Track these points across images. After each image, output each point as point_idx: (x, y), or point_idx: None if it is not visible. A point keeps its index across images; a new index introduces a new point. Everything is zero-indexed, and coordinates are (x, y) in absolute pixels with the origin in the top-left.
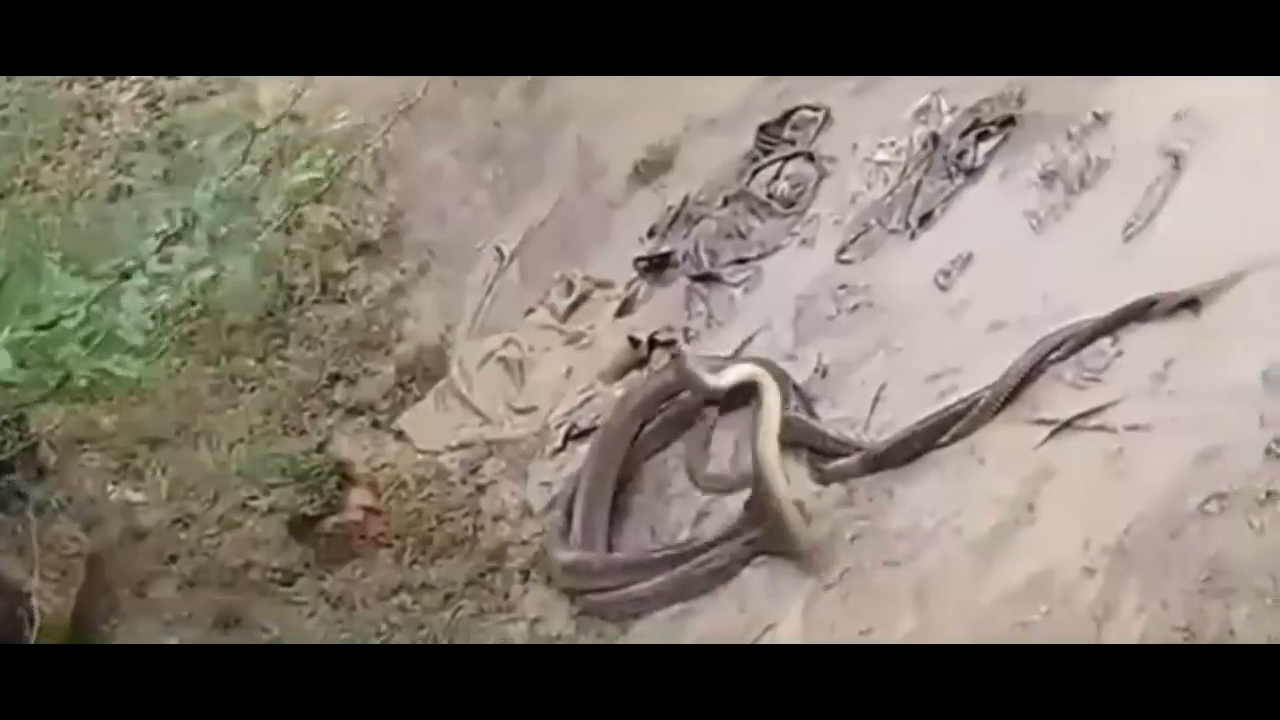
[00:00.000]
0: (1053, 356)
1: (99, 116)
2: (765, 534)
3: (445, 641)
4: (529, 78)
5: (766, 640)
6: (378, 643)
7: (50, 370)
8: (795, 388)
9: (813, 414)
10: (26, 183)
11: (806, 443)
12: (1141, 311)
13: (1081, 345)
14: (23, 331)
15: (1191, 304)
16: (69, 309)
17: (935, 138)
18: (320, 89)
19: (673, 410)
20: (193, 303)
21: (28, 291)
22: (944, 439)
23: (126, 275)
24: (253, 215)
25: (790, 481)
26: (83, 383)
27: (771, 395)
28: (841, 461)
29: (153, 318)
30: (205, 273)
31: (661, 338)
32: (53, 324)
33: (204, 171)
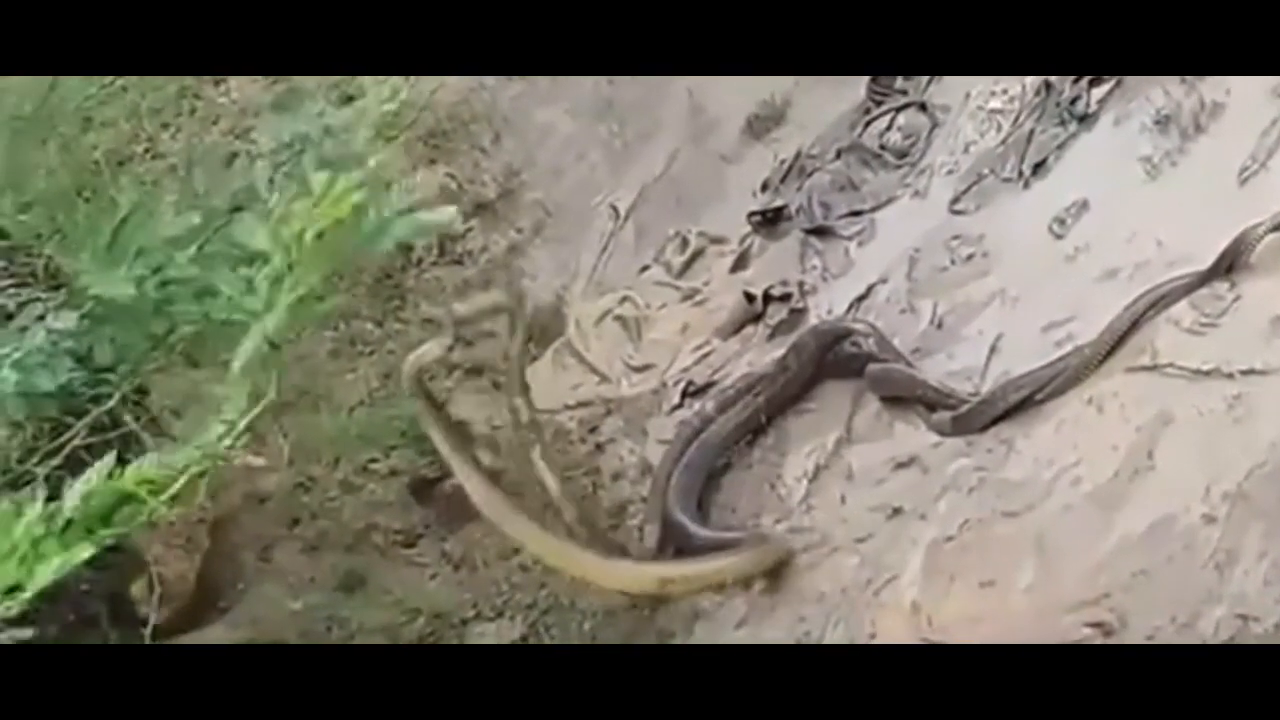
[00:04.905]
0: (1150, 313)
1: (216, 83)
2: None
3: (566, 602)
4: None
5: (886, 593)
6: (499, 603)
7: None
8: (884, 338)
9: (910, 365)
10: (146, 150)
11: (909, 395)
12: (1234, 254)
13: (1181, 297)
14: (138, 270)
15: None
16: (181, 249)
17: (1048, 84)
18: None
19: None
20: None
21: (144, 234)
22: (1041, 395)
23: (239, 207)
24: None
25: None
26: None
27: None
28: (938, 415)
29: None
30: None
31: (776, 292)
32: (161, 267)
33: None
